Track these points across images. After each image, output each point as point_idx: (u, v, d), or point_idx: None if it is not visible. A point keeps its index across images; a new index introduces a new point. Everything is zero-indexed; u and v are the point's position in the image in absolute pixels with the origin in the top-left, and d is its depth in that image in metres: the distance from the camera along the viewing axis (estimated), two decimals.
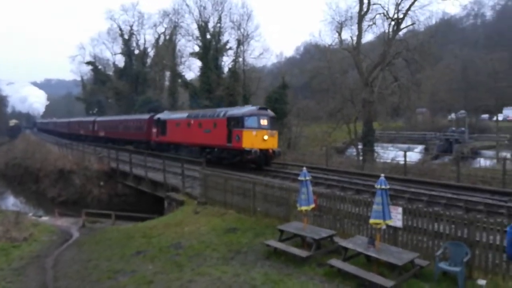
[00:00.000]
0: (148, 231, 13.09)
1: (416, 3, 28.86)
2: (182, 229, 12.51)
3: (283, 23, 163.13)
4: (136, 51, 64.69)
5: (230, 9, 46.76)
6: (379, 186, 7.57)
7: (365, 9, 30.91)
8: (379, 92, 30.29)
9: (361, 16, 31.13)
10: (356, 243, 8.20)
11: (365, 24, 31.54)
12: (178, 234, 11.98)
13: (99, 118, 50.52)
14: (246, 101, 43.87)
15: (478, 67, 38.86)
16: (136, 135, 36.96)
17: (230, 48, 48.95)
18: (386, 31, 30.61)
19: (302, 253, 8.70)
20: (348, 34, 37.05)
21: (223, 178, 14.60)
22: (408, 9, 29.07)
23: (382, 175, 8.01)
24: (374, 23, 31.36)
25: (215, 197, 14.69)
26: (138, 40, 65.12)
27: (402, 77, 30.24)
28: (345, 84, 34.75)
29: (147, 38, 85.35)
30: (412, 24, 30.24)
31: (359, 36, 31.51)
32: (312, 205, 9.54)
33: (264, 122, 22.57)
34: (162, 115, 32.61)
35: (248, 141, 21.66)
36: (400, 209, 8.56)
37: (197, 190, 16.33)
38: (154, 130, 32.53)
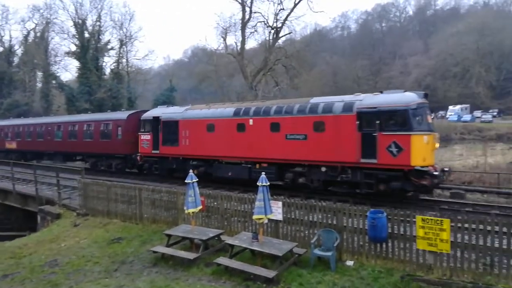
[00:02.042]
0: (17, 250, 11.58)
1: (292, 14, 31.42)
2: (59, 245, 11.40)
3: (170, 25, 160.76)
4: (0, 49, 56.46)
5: (110, 7, 44.69)
6: (260, 184, 8.05)
7: (247, 17, 32.38)
8: (262, 95, 31.98)
9: (244, 23, 32.49)
10: (242, 239, 8.56)
11: (247, 31, 33.01)
12: (54, 251, 10.88)
13: (7, 122, 35.35)
14: (131, 104, 41.84)
15: (346, 73, 44.05)
16: (97, 146, 24.37)
17: (112, 48, 46.27)
18: (267, 38, 32.55)
19: (189, 255, 8.72)
20: (233, 40, 38.36)
21: (105, 186, 13.73)
22: (285, 19, 31.39)
23: (263, 173, 8.53)
24: (256, 31, 33.12)
25: (97, 207, 13.73)
26: (2, 36, 56.95)
27: (282, 81, 32.51)
28: (232, 87, 35.86)
29: (13, 34, 75.15)
30: (289, 33, 32.78)
31: (243, 42, 32.86)
32: (200, 207, 9.64)
33: (429, 119, 13.64)
34: (164, 112, 20.41)
35: (419, 155, 12.40)
36: (280, 203, 9.21)
37: (77, 201, 15.05)
38: (146, 137, 20.72)
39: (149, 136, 20.46)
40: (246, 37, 32.89)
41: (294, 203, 9.31)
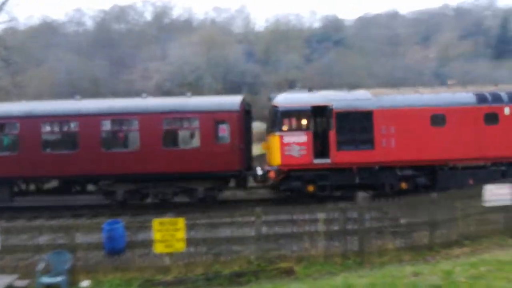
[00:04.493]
0: None
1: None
2: None
3: None
4: None
5: None
6: None
7: None
8: None
9: None
10: None
11: None
12: None
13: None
14: None
15: (83, 73, 41.04)
16: (155, 160, 13.23)
17: None
18: None
19: None
20: None
21: None
22: (3, 3, 26.05)
23: None
24: None
25: None
26: None
27: (1, 77, 26.96)
28: None
29: None
30: (10, 21, 27.46)
31: None
32: None
33: None
34: (336, 99, 13.55)
35: None
36: None
37: None
38: (297, 139, 13.03)
39: (304, 136, 13.21)
40: None
41: (13, 227, 7.69)
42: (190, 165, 12.99)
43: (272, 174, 13.26)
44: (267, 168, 13.72)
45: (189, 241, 7.74)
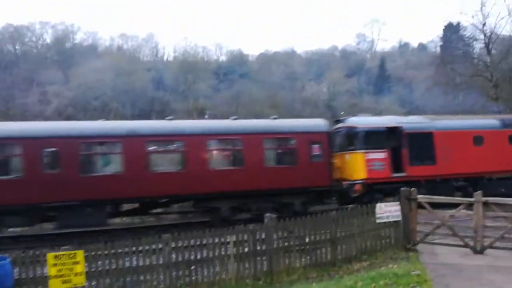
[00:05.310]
0: None
1: None
2: None
3: None
4: None
5: None
6: None
7: None
8: None
9: None
10: None
11: None
12: None
13: None
14: None
15: None
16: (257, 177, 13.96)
17: None
18: None
19: None
20: None
21: None
22: None
23: None
24: None
25: None
26: None
27: None
28: None
29: None
30: None
31: None
32: None
33: None
34: (406, 122, 16.02)
35: None
36: None
37: None
38: (378, 155, 14.97)
39: (384, 154, 15.31)
40: None
41: None
42: (288, 182, 14.10)
43: (358, 187, 14.60)
44: (352, 182, 14.89)
45: (91, 274, 7.16)
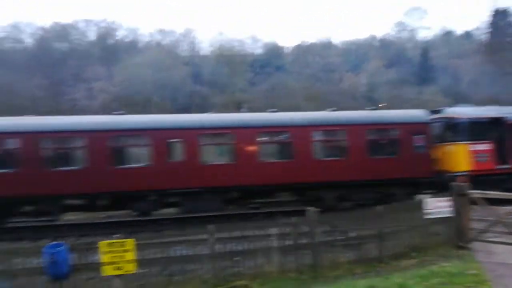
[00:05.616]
0: None
1: None
2: None
3: None
4: None
5: None
6: None
7: None
8: None
9: None
10: None
11: None
12: None
13: None
14: None
15: (20, 91, 38.62)
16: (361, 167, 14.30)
17: None
18: None
19: None
20: None
21: None
22: None
23: None
24: None
25: None
26: None
27: None
28: None
29: None
30: None
31: None
32: None
33: None
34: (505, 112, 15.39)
35: None
36: None
37: None
38: (481, 147, 14.74)
39: (488, 145, 14.89)
40: None
41: None
42: (391, 172, 14.17)
43: (463, 179, 13.55)
44: (455, 173, 14.27)
45: (141, 262, 7.39)
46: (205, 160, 13.87)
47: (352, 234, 8.99)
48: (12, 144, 12.62)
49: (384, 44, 68.30)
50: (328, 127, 14.68)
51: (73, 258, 7.19)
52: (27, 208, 12.92)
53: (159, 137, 13.21)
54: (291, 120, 14.61)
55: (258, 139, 13.99)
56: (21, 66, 42.87)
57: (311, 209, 8.82)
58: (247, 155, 13.70)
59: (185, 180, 13.06)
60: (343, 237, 8.91)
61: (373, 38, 72.43)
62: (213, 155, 14.79)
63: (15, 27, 57.76)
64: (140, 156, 14.32)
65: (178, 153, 13.64)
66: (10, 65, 40.46)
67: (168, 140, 13.37)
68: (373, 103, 38.56)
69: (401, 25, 73.10)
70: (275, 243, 8.36)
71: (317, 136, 14.49)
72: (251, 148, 13.83)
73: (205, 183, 13.18)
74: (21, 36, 56.42)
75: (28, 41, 55.56)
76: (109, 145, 13.02)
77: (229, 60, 55.49)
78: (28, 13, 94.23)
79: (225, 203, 14.04)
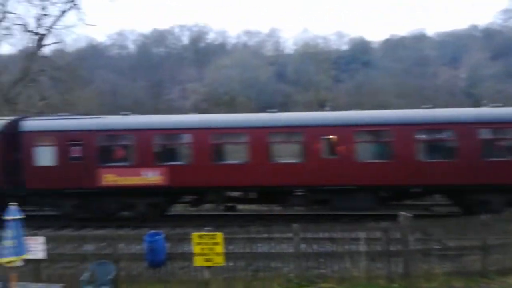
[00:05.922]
0: None
1: (61, 22, 28.10)
2: None
3: None
4: None
5: None
6: (10, 217, 6.40)
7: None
8: (25, 110, 27.03)
9: None
10: None
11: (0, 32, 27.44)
12: None
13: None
14: None
15: (125, 93, 43.01)
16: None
17: None
18: (28, 45, 27.96)
19: None
20: None
21: None
22: (51, 26, 27.80)
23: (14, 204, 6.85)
24: (11, 34, 27.86)
25: None
26: None
27: (51, 96, 28.52)
28: None
29: None
30: (58, 42, 29.20)
31: None
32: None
33: None
34: None
35: None
36: (41, 239, 7.64)
37: None
38: None
39: None
40: None
41: (61, 236, 7.93)
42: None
43: None
44: None
45: (228, 256, 7.67)
46: (359, 158, 13.30)
47: (450, 243, 8.25)
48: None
49: (488, 34, 61.03)
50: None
51: (168, 247, 7.74)
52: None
53: (312, 134, 13.21)
54: (458, 117, 13.35)
55: (417, 137, 13.08)
56: (125, 70, 47.65)
57: (403, 214, 8.29)
58: (405, 153, 12.97)
59: (338, 177, 12.87)
60: (439, 246, 8.22)
61: (474, 28, 65.41)
62: (366, 153, 13.71)
63: (121, 34, 64.57)
64: (291, 152, 14.16)
65: (332, 150, 13.31)
66: (117, 69, 45.30)
67: (322, 137, 13.29)
68: (474, 100, 34.66)
69: (508, 12, 64.86)
70: (362, 247, 8.04)
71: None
72: (409, 146, 13.04)
73: (358, 181, 12.91)
74: (125, 43, 62.88)
75: (131, 47, 61.70)
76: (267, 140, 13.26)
77: (313, 57, 54.79)
78: (131, 21, 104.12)
79: (378, 202, 13.50)
